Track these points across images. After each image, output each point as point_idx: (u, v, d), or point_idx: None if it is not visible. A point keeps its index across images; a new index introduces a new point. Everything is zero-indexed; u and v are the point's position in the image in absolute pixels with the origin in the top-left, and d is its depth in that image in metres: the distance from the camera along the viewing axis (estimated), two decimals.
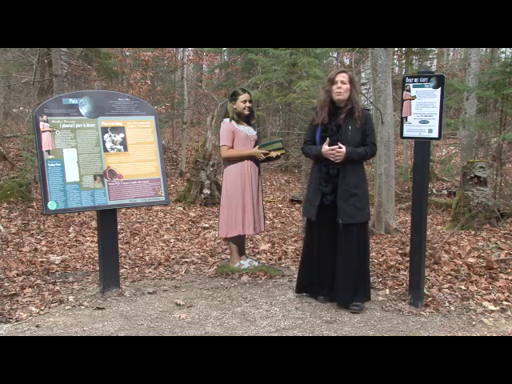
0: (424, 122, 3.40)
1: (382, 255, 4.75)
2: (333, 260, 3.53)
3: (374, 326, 3.23)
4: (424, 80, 3.38)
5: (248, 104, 4.21)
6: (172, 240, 5.93)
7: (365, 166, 3.64)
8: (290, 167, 13.32)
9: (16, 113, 11.69)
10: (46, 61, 10.35)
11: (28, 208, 6.98)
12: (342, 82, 3.40)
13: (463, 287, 3.84)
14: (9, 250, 5.09)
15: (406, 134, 3.52)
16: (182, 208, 8.21)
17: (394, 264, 4.37)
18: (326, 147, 3.39)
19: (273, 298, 3.75)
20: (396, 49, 11.25)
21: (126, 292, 3.86)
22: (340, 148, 3.36)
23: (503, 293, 3.74)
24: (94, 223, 6.55)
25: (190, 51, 16.72)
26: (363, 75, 13.69)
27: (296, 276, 4.29)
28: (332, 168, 3.43)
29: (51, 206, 3.54)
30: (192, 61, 16.27)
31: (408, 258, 3.90)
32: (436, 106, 3.34)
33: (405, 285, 3.86)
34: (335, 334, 3.09)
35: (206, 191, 8.55)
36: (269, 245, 5.51)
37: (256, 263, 4.46)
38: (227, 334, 3.08)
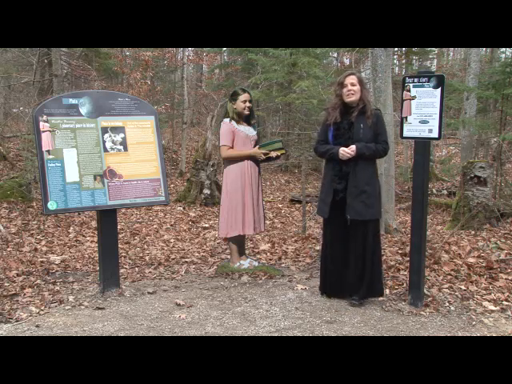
0: (424, 121, 3.40)
1: (382, 255, 4.74)
2: (347, 258, 3.62)
3: (373, 326, 3.23)
4: (424, 80, 3.37)
5: (248, 104, 4.21)
6: (172, 240, 5.93)
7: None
8: (290, 167, 13.32)
9: (16, 113, 11.68)
10: (46, 61, 10.36)
11: (28, 208, 6.98)
12: (352, 84, 3.50)
13: (463, 287, 3.84)
14: (9, 249, 5.09)
15: (405, 133, 3.52)
16: (181, 208, 8.21)
17: (394, 264, 4.37)
18: (343, 148, 3.47)
19: (273, 298, 3.75)
20: (396, 49, 11.26)
21: (126, 292, 3.86)
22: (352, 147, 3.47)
23: (503, 293, 3.74)
24: (94, 223, 6.55)
25: (189, 51, 16.71)
26: (363, 75, 13.69)
27: (296, 276, 4.31)
28: (346, 165, 3.51)
29: (51, 206, 3.53)
30: (192, 61, 16.26)
31: (408, 258, 3.90)
32: (436, 106, 3.34)
33: (405, 285, 3.86)
34: (335, 334, 3.09)
35: (206, 191, 8.55)
36: (269, 245, 5.51)
37: (256, 263, 4.46)
38: (227, 334, 3.08)
